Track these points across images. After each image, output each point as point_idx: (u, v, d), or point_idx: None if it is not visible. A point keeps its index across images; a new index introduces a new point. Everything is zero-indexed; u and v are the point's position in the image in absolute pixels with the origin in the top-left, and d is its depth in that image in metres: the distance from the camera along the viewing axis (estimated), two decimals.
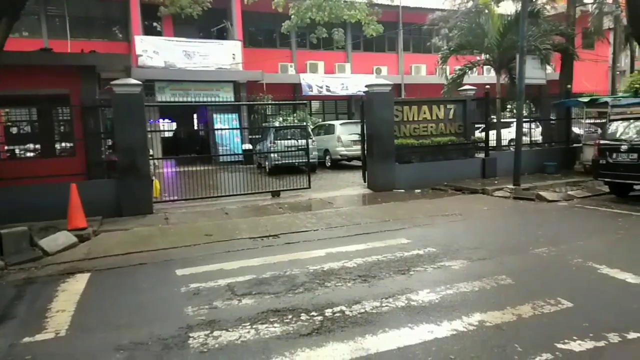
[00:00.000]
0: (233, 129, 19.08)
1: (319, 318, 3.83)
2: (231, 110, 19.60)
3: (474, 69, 15.74)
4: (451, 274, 4.93)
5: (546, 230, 6.95)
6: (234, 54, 19.71)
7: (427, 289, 4.43)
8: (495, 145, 13.25)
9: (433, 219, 7.88)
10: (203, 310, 4.11)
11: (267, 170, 14.49)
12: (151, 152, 10.01)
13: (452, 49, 15.25)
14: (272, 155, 14.02)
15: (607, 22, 19.37)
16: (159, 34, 20.12)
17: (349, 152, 16.15)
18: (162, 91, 18.64)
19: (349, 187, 11.81)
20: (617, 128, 9.29)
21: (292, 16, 15.37)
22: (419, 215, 8.13)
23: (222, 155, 17.82)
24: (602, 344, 3.23)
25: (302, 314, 3.92)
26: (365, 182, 11.57)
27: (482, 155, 12.38)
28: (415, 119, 11.68)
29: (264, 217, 8.31)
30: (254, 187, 10.81)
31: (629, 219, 7.38)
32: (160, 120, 22.64)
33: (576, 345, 3.21)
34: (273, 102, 16.23)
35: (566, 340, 3.28)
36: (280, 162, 13.64)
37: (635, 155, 8.45)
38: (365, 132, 11.48)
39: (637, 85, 17.55)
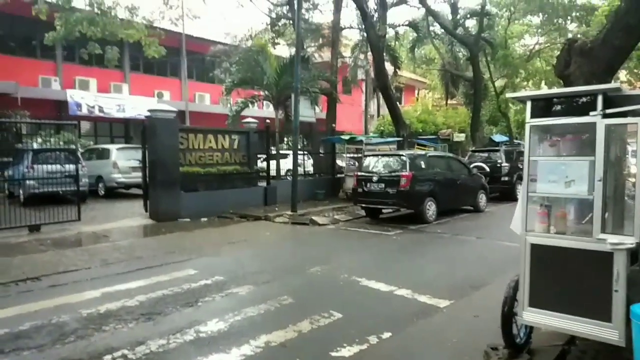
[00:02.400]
0: None
1: None
2: None
3: (255, 103, 16.77)
4: (238, 300, 5.07)
5: (319, 251, 7.85)
6: None
7: (216, 318, 4.45)
8: (275, 174, 14.29)
9: (220, 247, 7.95)
10: None
11: (22, 200, 12.19)
12: None
13: (235, 82, 15.93)
14: (28, 182, 11.88)
15: (361, 74, 23.38)
16: None
17: (127, 179, 14.93)
18: None
19: (128, 217, 10.91)
20: (370, 162, 11.22)
21: (58, 27, 13.56)
22: (205, 245, 8.08)
23: None
24: (365, 346, 3.83)
25: None
26: (147, 211, 10.89)
27: (264, 184, 13.16)
28: (202, 147, 11.70)
29: (19, 257, 6.96)
30: (3, 220, 8.93)
31: (380, 237, 8.94)
32: None
33: (346, 352, 3.72)
34: (32, 120, 13.84)
35: (338, 348, 3.76)
36: (39, 191, 11.65)
37: (382, 185, 10.34)
38: (147, 158, 10.89)
39: (382, 128, 21.58)
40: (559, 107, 3.19)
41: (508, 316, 3.24)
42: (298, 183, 11.86)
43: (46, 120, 12.29)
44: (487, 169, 14.32)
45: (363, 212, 11.33)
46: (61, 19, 13.47)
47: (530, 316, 3.11)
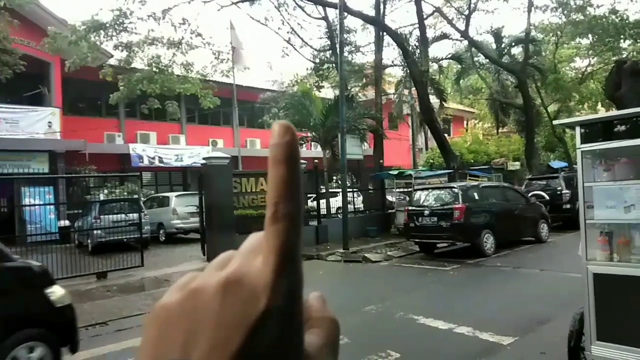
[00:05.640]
0: (46, 204, 16.80)
1: None
2: (45, 183, 17.33)
3: (303, 145, 17.19)
4: None
5: (373, 289, 7.73)
6: (50, 122, 17.83)
7: None
8: (325, 213, 14.39)
9: None
10: None
11: (90, 248, 13.02)
12: None
13: None
14: (95, 232, 12.71)
15: (406, 109, 23.47)
16: None
17: (185, 224, 15.60)
18: None
19: (187, 261, 11.32)
20: (421, 196, 11.08)
21: (122, 87, 14.83)
22: None
23: (31, 235, 15.41)
24: None
25: None
26: (204, 255, 11.26)
27: (315, 223, 13.28)
28: (254, 190, 12.09)
29: (88, 304, 7.37)
30: (73, 269, 9.54)
31: (436, 273, 8.69)
32: None
33: None
34: (98, 174, 14.98)
35: None
36: (105, 239, 12.43)
37: (435, 218, 10.13)
38: (204, 203, 11.37)
39: (432, 161, 21.33)
40: (610, 131, 3.09)
41: (575, 351, 3.05)
42: (349, 220, 11.88)
43: (111, 173, 13.21)
44: (547, 197, 13.67)
45: (417, 248, 11.10)
46: (123, 80, 14.74)
47: (599, 351, 2.91)
